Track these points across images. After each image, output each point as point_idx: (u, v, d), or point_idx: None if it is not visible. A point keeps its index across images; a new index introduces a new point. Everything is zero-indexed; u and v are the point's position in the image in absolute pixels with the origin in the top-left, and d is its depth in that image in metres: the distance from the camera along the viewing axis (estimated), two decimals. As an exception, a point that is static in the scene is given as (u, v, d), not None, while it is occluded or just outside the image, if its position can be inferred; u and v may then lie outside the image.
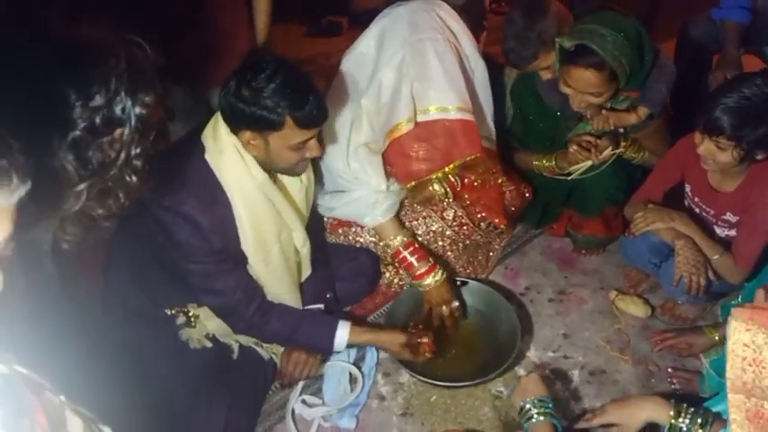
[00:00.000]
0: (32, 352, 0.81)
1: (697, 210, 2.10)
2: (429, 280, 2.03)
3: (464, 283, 2.19)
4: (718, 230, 2.06)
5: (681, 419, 1.42)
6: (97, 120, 0.84)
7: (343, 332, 1.86)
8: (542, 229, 2.63)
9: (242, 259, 1.75)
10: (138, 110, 0.88)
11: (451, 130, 2.00)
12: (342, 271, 2.13)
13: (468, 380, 1.90)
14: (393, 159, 2.08)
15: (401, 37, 1.99)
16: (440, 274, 2.04)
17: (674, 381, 1.99)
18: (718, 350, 1.80)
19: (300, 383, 1.95)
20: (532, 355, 2.12)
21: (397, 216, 2.08)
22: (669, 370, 2.02)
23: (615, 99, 2.21)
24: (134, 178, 0.90)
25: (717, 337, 1.91)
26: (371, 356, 2.04)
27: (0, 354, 0.78)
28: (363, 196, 2.04)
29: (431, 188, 2.12)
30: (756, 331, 1.20)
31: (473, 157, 2.05)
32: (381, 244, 2.11)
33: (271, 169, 1.70)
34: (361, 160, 2.03)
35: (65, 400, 0.86)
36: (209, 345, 1.88)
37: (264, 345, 1.96)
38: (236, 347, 1.93)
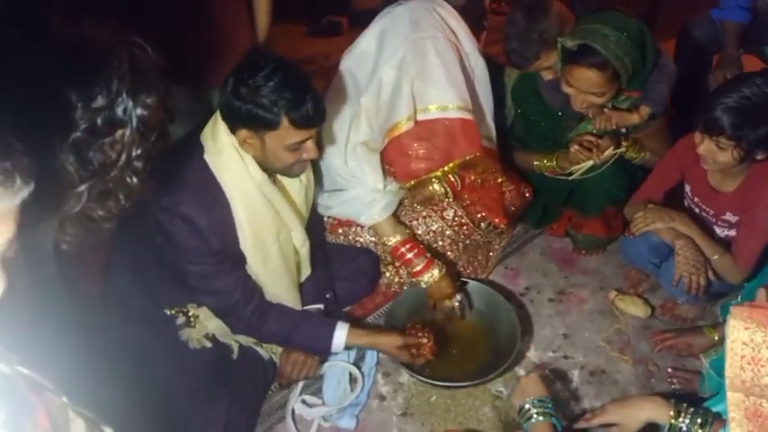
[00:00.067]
0: (34, 352, 0.81)
1: (697, 210, 2.10)
2: (427, 276, 2.04)
3: (464, 283, 2.19)
4: (718, 230, 2.06)
5: (681, 419, 1.42)
6: (98, 121, 0.84)
7: (341, 334, 1.86)
8: (542, 229, 2.63)
9: (241, 259, 1.75)
10: (139, 111, 0.88)
11: (451, 128, 2.00)
12: (341, 271, 2.13)
13: (468, 380, 1.90)
14: (393, 158, 2.08)
15: (402, 35, 1.99)
16: (437, 269, 2.04)
17: (674, 381, 1.99)
18: (718, 350, 1.80)
19: (300, 383, 1.95)
20: (532, 355, 2.12)
21: (395, 215, 2.09)
22: (669, 370, 2.02)
23: (617, 99, 2.21)
24: (135, 179, 0.90)
25: (716, 337, 1.91)
26: (371, 356, 2.04)
27: (2, 354, 0.78)
28: (360, 195, 2.05)
29: (431, 188, 2.12)
30: (755, 330, 1.20)
31: (473, 156, 2.05)
32: (380, 244, 2.12)
33: (268, 169, 1.70)
34: (359, 159, 2.03)
35: (66, 401, 0.86)
36: (208, 345, 1.88)
37: (264, 345, 1.96)
38: (235, 347, 1.93)
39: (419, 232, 2.15)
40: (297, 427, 1.87)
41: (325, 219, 2.18)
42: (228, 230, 1.69)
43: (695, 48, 2.83)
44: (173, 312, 1.88)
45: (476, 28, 2.22)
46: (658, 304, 2.27)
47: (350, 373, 1.99)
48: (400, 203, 2.13)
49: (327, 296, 2.04)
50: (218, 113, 1.65)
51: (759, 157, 1.81)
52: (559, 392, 1.95)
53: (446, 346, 2.01)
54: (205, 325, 1.89)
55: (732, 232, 2.02)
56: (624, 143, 2.26)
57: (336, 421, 1.88)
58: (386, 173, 2.09)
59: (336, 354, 1.93)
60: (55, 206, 0.82)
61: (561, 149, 2.33)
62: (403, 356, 1.88)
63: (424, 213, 2.16)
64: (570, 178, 2.33)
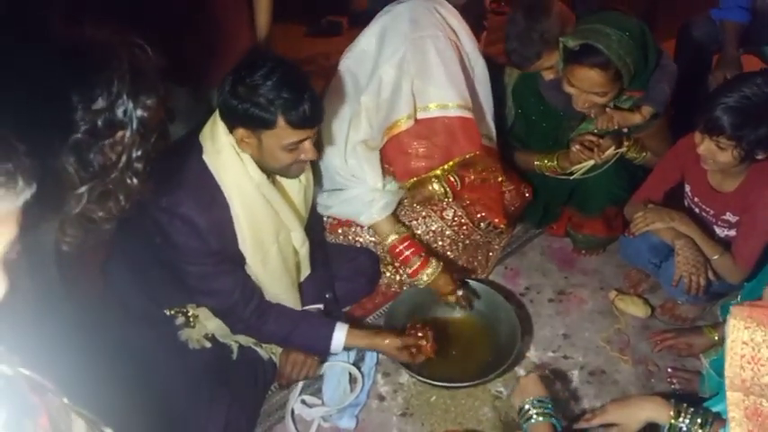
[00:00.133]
0: (35, 353, 0.81)
1: (697, 210, 2.10)
2: (424, 275, 2.04)
3: (464, 283, 2.19)
4: (717, 230, 2.06)
5: (681, 419, 1.42)
6: (99, 122, 0.84)
7: (340, 334, 1.86)
8: (542, 229, 2.63)
9: (240, 260, 1.75)
10: (139, 112, 0.87)
11: (451, 127, 2.00)
12: (341, 271, 2.13)
13: (468, 380, 1.90)
14: (392, 157, 2.08)
15: (402, 34, 1.99)
16: (431, 268, 2.04)
17: (674, 381, 1.99)
18: (718, 350, 1.80)
19: (300, 384, 1.95)
20: (532, 355, 2.12)
21: (394, 214, 2.09)
22: (669, 370, 2.02)
23: (618, 99, 2.21)
24: (135, 180, 0.90)
25: (716, 338, 1.91)
26: (371, 357, 2.04)
27: (5, 356, 0.78)
28: (360, 194, 2.05)
29: (430, 188, 2.12)
30: (755, 329, 1.20)
31: (473, 154, 2.05)
32: (380, 243, 2.12)
33: (267, 170, 1.70)
34: (359, 157, 2.03)
35: (67, 402, 0.86)
36: (208, 345, 1.88)
37: (264, 345, 1.96)
38: (235, 348, 1.93)
39: (418, 232, 2.15)
40: (296, 428, 1.87)
41: (325, 219, 2.18)
42: (227, 231, 1.69)
43: (695, 48, 2.83)
44: (172, 313, 1.88)
45: (476, 28, 2.22)
46: (658, 304, 2.27)
47: (350, 374, 1.99)
48: (400, 203, 2.13)
49: (327, 296, 2.04)
50: (216, 113, 1.64)
51: (759, 156, 1.81)
52: (559, 392, 1.95)
53: (446, 346, 2.01)
54: (205, 325, 1.89)
55: (732, 232, 2.02)
56: (625, 143, 2.26)
57: (336, 421, 1.88)
58: (385, 172, 2.09)
59: (336, 354, 1.93)
60: (54, 208, 0.82)
61: (562, 149, 2.33)
62: (402, 357, 1.88)
63: (424, 213, 2.16)
64: (571, 178, 2.33)
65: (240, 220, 1.69)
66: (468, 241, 2.25)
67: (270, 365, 1.95)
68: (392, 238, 2.05)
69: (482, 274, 2.39)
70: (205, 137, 1.67)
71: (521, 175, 2.39)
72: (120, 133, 0.87)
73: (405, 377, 2.01)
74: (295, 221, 1.81)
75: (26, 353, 0.81)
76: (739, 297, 1.90)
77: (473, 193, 2.18)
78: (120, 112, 0.86)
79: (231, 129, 1.61)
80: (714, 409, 1.43)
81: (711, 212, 2.05)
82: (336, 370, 1.98)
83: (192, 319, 1.88)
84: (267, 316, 1.82)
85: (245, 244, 1.72)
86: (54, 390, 0.84)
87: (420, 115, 1.99)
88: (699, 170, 2.00)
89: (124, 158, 0.88)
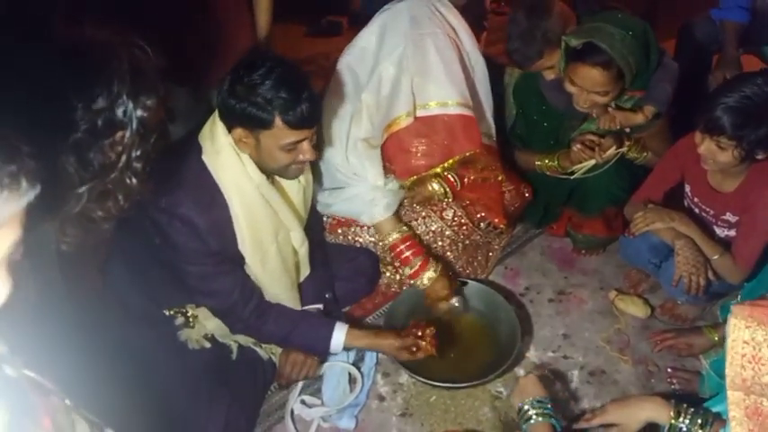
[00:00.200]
0: (36, 353, 0.81)
1: (697, 210, 2.10)
2: (424, 278, 2.04)
3: (464, 284, 2.19)
4: (717, 230, 2.06)
5: (681, 420, 1.42)
6: (99, 122, 0.84)
7: (339, 335, 1.86)
8: (542, 229, 2.63)
9: (239, 260, 1.75)
10: (139, 112, 0.87)
11: (451, 125, 2.00)
12: (341, 271, 2.13)
13: (468, 380, 1.89)
14: (392, 154, 2.08)
15: (402, 32, 2.00)
16: (431, 271, 2.04)
17: (674, 381, 1.99)
18: (718, 351, 1.80)
19: (300, 384, 1.95)
20: (532, 355, 2.12)
21: (396, 213, 2.08)
22: (669, 370, 2.02)
23: (620, 98, 2.21)
24: (134, 180, 0.90)
25: (716, 338, 1.91)
26: (371, 357, 2.04)
27: (8, 357, 0.78)
28: (361, 193, 2.05)
29: (430, 188, 2.12)
30: (756, 328, 1.20)
31: (472, 152, 2.05)
32: (380, 243, 2.12)
33: (266, 170, 1.69)
34: (360, 155, 2.03)
35: (70, 404, 0.86)
36: (207, 345, 1.88)
37: (263, 345, 1.96)
38: (235, 348, 1.93)
39: (418, 232, 2.15)
40: (296, 428, 1.87)
41: (325, 219, 2.18)
42: (227, 231, 1.69)
43: (695, 48, 2.83)
44: (171, 313, 1.88)
45: (476, 28, 2.22)
46: (658, 304, 2.27)
47: (349, 374, 1.99)
48: (400, 204, 2.12)
49: (327, 296, 2.04)
50: (216, 113, 1.64)
51: (759, 156, 1.81)
52: (559, 393, 1.95)
53: (446, 346, 2.01)
54: (204, 325, 1.89)
55: (732, 232, 2.02)
56: (626, 142, 2.26)
57: (336, 422, 1.88)
58: (386, 170, 2.09)
59: (336, 354, 1.93)
60: (54, 208, 0.82)
61: (563, 149, 2.33)
62: (402, 356, 1.88)
63: (424, 213, 2.16)
64: (572, 177, 2.33)
65: (239, 220, 1.68)
66: (467, 241, 2.25)
67: (269, 365, 1.95)
68: (394, 236, 2.05)
69: (482, 274, 2.39)
70: (204, 137, 1.67)
71: (520, 175, 2.38)
72: (119, 133, 0.87)
73: (404, 377, 2.01)
74: (294, 221, 1.81)
75: (27, 353, 0.80)
76: (739, 297, 1.91)
77: (473, 193, 2.18)
78: (119, 112, 0.86)
79: (230, 129, 1.61)
80: (714, 410, 1.43)
81: (711, 212, 2.04)
82: (336, 370, 1.98)
83: (191, 320, 1.88)
84: (267, 316, 1.82)
85: (245, 244, 1.72)
86: (57, 391, 0.84)
87: (420, 113, 1.99)
88: (699, 170, 2.00)
89: (124, 158, 0.88)
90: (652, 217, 2.02)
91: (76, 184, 0.84)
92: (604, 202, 2.35)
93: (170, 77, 0.95)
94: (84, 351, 1.25)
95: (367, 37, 2.07)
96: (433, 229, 2.17)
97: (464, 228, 2.19)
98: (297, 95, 1.53)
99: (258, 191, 1.69)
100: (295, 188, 1.83)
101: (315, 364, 1.92)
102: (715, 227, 2.06)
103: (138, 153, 0.90)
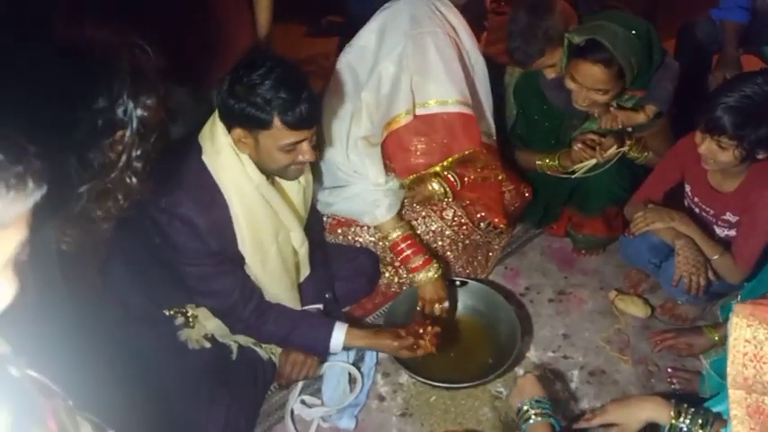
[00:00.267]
0: (36, 353, 0.81)
1: (697, 210, 2.10)
2: (423, 275, 2.04)
3: (464, 283, 2.19)
4: (718, 230, 2.06)
5: (681, 420, 1.42)
6: (99, 121, 0.84)
7: (339, 334, 1.85)
8: (542, 229, 2.62)
9: (239, 260, 1.75)
10: (139, 112, 0.87)
11: (450, 123, 2.00)
12: (341, 271, 2.13)
13: (468, 380, 1.90)
14: (392, 153, 2.08)
15: (402, 30, 2.00)
16: (432, 270, 2.04)
17: (674, 381, 1.99)
18: (719, 351, 1.80)
19: (300, 384, 1.95)
20: (532, 355, 2.12)
21: (398, 213, 2.08)
22: (669, 370, 2.02)
23: (621, 98, 2.21)
24: (134, 180, 0.90)
25: (716, 338, 1.91)
26: (371, 357, 2.04)
27: (12, 357, 0.78)
28: (362, 193, 2.05)
29: (430, 187, 2.12)
30: (757, 327, 1.20)
31: (472, 151, 2.05)
32: (380, 243, 2.11)
33: (265, 170, 1.69)
34: (360, 153, 2.03)
35: (72, 405, 0.86)
36: (207, 345, 1.88)
37: (263, 345, 1.96)
38: (234, 348, 1.93)
39: (418, 232, 2.15)
40: (296, 428, 1.87)
41: (325, 219, 2.18)
42: (227, 231, 1.69)
43: (695, 48, 2.83)
44: (171, 313, 1.87)
45: (476, 27, 2.22)
46: (658, 304, 2.27)
47: (349, 374, 1.99)
48: (401, 203, 2.12)
49: (327, 296, 2.04)
50: (216, 114, 1.64)
51: (760, 156, 1.81)
52: (559, 393, 1.95)
53: (446, 346, 2.01)
54: (204, 325, 1.89)
55: (732, 232, 2.01)
56: (628, 142, 2.26)
57: (336, 422, 1.88)
58: (386, 168, 2.09)
59: (335, 354, 1.93)
60: (54, 208, 0.82)
61: (564, 149, 2.33)
62: (402, 354, 1.88)
63: (424, 213, 2.16)
64: (573, 177, 2.32)
65: (239, 220, 1.68)
66: (467, 241, 2.25)
67: (269, 365, 1.95)
68: (395, 235, 2.05)
69: (482, 274, 2.39)
70: (204, 137, 1.67)
71: (520, 174, 2.38)
72: (119, 133, 0.87)
73: (404, 377, 2.01)
74: (294, 222, 1.81)
75: (27, 353, 0.80)
76: (739, 297, 1.91)
77: (473, 193, 2.18)
78: (120, 112, 0.86)
79: (229, 129, 1.61)
80: (714, 410, 1.43)
81: (711, 212, 2.04)
82: (336, 370, 1.98)
83: (191, 320, 1.88)
84: (266, 316, 1.82)
85: (245, 244, 1.72)
86: (60, 393, 0.84)
87: (419, 112, 1.99)
88: (699, 170, 2.00)
89: (124, 158, 0.88)
90: (652, 217, 2.02)
91: (76, 184, 0.83)
92: (605, 201, 2.35)
93: (170, 77, 0.95)
94: (83, 351, 1.25)
95: (367, 36, 2.07)
96: (432, 228, 2.17)
97: (464, 227, 2.19)
98: (296, 96, 1.53)
99: (258, 191, 1.68)
100: (295, 188, 1.82)
101: (315, 364, 1.92)
102: (715, 227, 2.06)
103: (139, 152, 0.89)
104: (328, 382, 1.96)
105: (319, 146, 1.88)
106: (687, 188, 2.13)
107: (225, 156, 1.63)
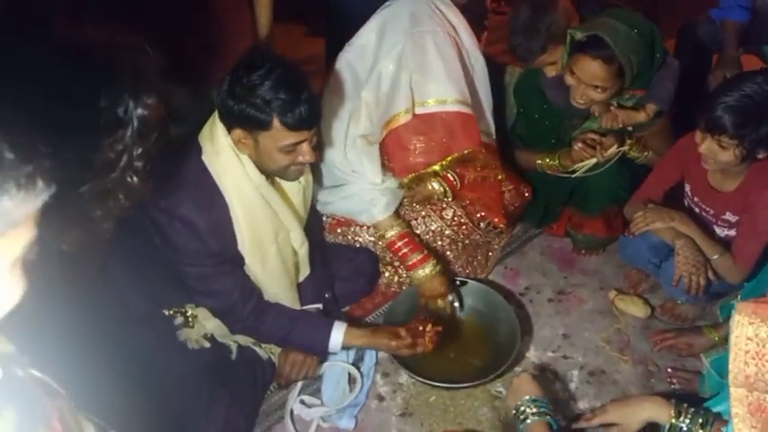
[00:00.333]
0: (37, 353, 0.81)
1: (697, 210, 2.10)
2: (421, 271, 2.04)
3: (463, 283, 2.18)
4: (718, 230, 2.06)
5: (681, 419, 1.42)
6: (100, 121, 0.83)
7: (338, 334, 1.85)
8: (542, 229, 2.62)
9: (239, 260, 1.75)
10: (140, 111, 0.87)
11: (449, 122, 2.00)
12: (341, 271, 2.13)
13: (468, 380, 1.89)
14: (391, 152, 2.08)
15: (401, 29, 2.00)
16: (431, 266, 2.04)
17: (674, 381, 1.99)
18: (719, 350, 1.80)
19: (299, 384, 1.95)
20: (532, 355, 2.12)
21: (395, 212, 2.08)
22: (669, 370, 2.02)
23: (621, 97, 2.21)
24: (135, 179, 0.90)
25: (716, 338, 1.91)
26: (370, 357, 2.04)
27: (16, 357, 0.78)
28: (360, 192, 2.05)
29: (430, 187, 2.12)
30: (760, 325, 1.20)
31: (471, 150, 2.05)
32: (380, 243, 2.11)
33: (265, 171, 1.69)
34: (359, 152, 2.04)
35: (73, 405, 0.86)
36: (207, 345, 1.88)
37: (263, 345, 1.96)
38: (234, 348, 1.93)
39: (418, 232, 2.15)
40: (295, 428, 1.87)
41: (325, 218, 2.18)
42: (227, 232, 1.69)
43: (695, 47, 2.83)
44: (171, 313, 1.87)
45: (477, 27, 2.22)
46: (658, 304, 2.27)
47: (349, 374, 1.99)
48: (400, 203, 2.12)
49: (326, 296, 2.04)
50: (216, 114, 1.64)
51: (760, 155, 1.81)
52: (559, 392, 1.95)
53: (446, 346, 2.01)
54: (203, 325, 1.89)
55: (732, 232, 2.01)
56: (628, 141, 2.26)
57: (335, 422, 1.88)
58: (385, 168, 2.09)
59: (335, 354, 1.93)
60: (55, 207, 0.82)
61: (564, 148, 2.33)
62: (402, 352, 1.87)
63: (423, 213, 2.16)
64: (573, 176, 2.32)
65: (239, 220, 1.68)
66: (467, 241, 2.25)
67: (269, 365, 1.95)
68: (391, 233, 2.05)
69: (482, 273, 2.39)
70: (204, 137, 1.67)
71: (520, 174, 2.38)
72: (120, 132, 0.87)
73: (404, 377, 2.01)
74: (294, 222, 1.81)
75: (27, 353, 0.80)
76: (739, 297, 1.90)
77: (473, 193, 2.18)
78: (120, 111, 0.86)
79: (229, 129, 1.60)
80: (715, 410, 1.43)
81: (711, 212, 2.04)
82: (336, 370, 1.98)
83: (190, 319, 1.88)
84: (266, 316, 1.82)
85: (245, 245, 1.72)
86: (64, 394, 0.84)
87: (419, 110, 2.00)
88: (699, 170, 2.00)
89: (125, 157, 0.88)
90: (652, 216, 2.02)
91: (77, 184, 0.83)
92: (605, 201, 2.35)
93: (170, 77, 0.95)
94: (83, 351, 1.25)
95: (367, 34, 2.07)
96: (432, 228, 2.17)
97: (464, 227, 2.19)
98: (296, 97, 1.53)
99: (258, 191, 1.68)
100: (295, 188, 1.82)
101: (314, 364, 1.92)
102: (715, 226, 2.06)
103: (139, 152, 0.89)
104: (328, 382, 1.96)
105: (319, 147, 1.87)
106: (687, 188, 2.13)
107: (225, 156, 1.63)
